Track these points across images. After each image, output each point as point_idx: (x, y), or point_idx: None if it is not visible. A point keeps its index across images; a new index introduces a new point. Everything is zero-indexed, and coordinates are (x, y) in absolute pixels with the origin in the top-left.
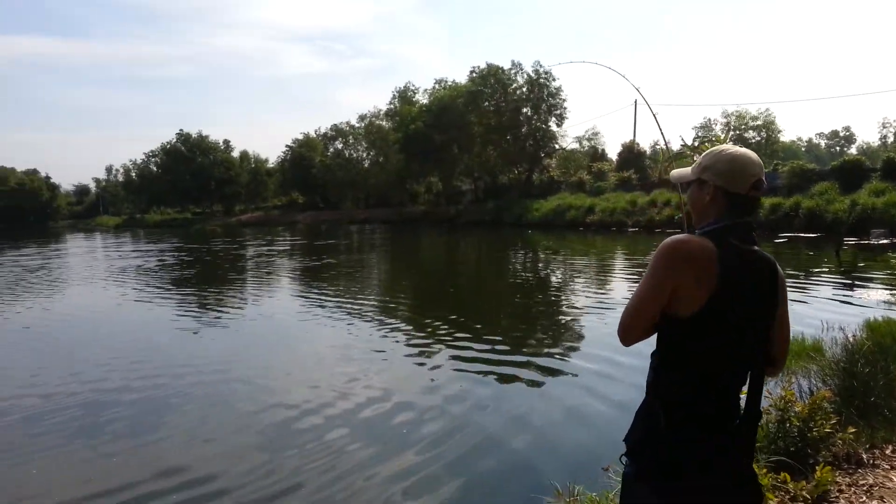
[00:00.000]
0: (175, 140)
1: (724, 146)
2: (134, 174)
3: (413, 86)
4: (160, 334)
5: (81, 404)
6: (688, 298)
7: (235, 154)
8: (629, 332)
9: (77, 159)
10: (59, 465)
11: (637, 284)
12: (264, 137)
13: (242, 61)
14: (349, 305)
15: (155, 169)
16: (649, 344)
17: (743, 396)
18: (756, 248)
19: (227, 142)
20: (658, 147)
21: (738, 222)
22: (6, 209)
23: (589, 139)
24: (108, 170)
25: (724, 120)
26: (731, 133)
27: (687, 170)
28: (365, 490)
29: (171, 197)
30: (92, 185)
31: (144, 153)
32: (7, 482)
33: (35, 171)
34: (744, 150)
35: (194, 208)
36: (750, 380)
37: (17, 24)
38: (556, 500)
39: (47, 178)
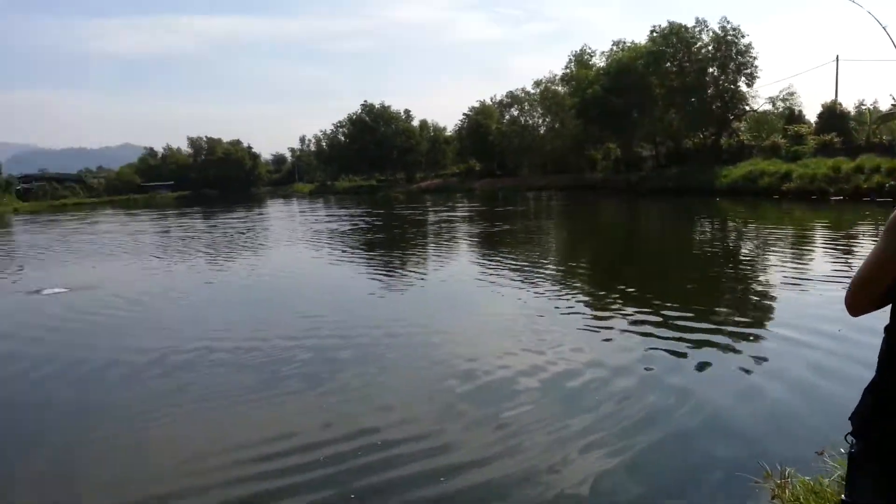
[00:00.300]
0: (360, 111)
1: None
2: (324, 144)
3: (589, 49)
4: (356, 294)
5: (301, 358)
6: None
7: (415, 123)
8: (856, 302)
9: (274, 131)
10: (293, 409)
11: (864, 255)
12: (441, 106)
13: (419, 32)
14: (531, 271)
15: (343, 139)
16: (878, 318)
17: None
18: None
19: (407, 111)
20: (864, 108)
21: None
22: (216, 177)
23: (784, 100)
24: (302, 140)
25: None
26: None
27: None
28: (578, 462)
29: (357, 165)
30: (288, 155)
31: (333, 124)
32: (240, 424)
33: (238, 142)
34: None
35: (379, 176)
36: None
37: (210, 5)
38: (764, 482)
39: (249, 147)
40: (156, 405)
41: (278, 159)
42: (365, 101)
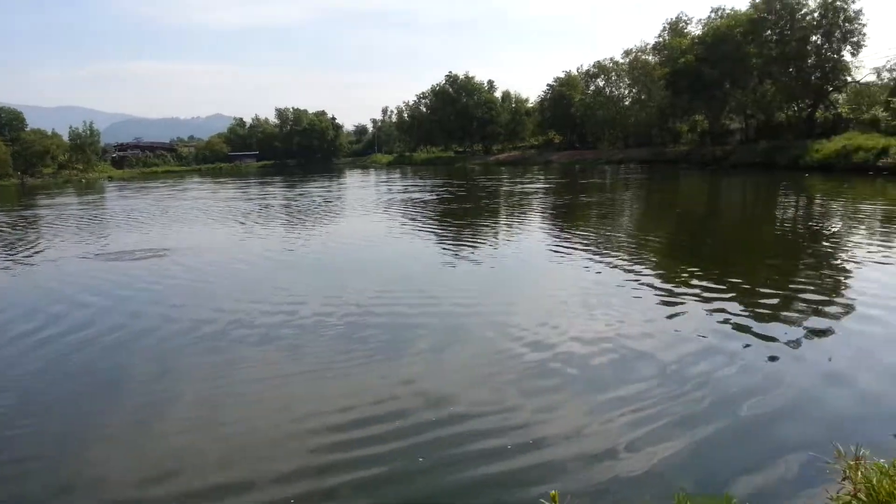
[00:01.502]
0: (444, 82)
1: None
2: (406, 115)
3: (686, 16)
4: (425, 265)
5: (367, 328)
6: None
7: (498, 94)
8: None
9: (361, 102)
10: (357, 379)
11: None
12: (527, 76)
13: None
14: (603, 246)
15: (424, 110)
16: None
17: None
18: None
19: (490, 82)
20: None
21: None
22: (300, 146)
23: (890, 70)
24: (384, 111)
25: None
26: None
27: None
28: (645, 441)
29: (437, 136)
30: (370, 126)
31: (416, 95)
32: (306, 394)
33: (323, 113)
34: None
35: (457, 147)
36: None
37: None
38: (835, 462)
39: (333, 118)
40: (222, 373)
41: (360, 130)
42: (450, 72)
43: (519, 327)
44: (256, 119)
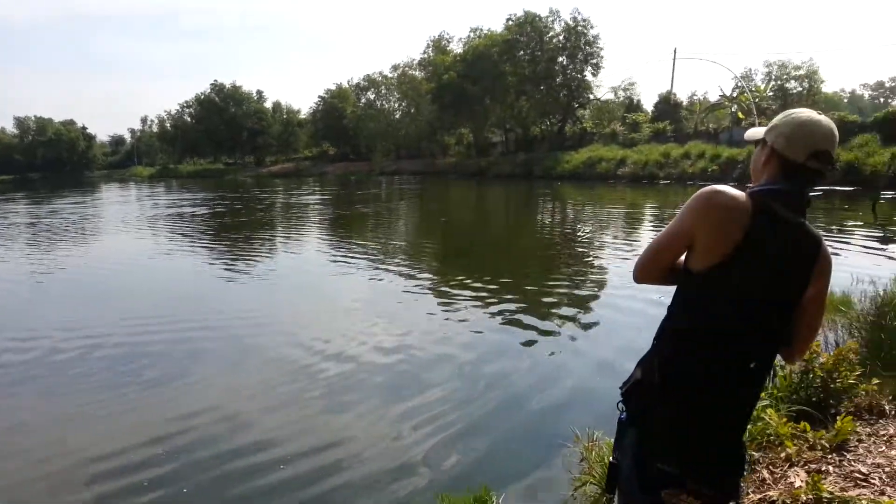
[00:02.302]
0: (209, 91)
1: (802, 110)
2: (168, 125)
3: (448, 35)
4: (191, 284)
5: (111, 353)
6: (704, 251)
7: (268, 105)
8: (642, 271)
9: (113, 110)
10: (89, 412)
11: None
12: (298, 88)
13: (285, 11)
14: (374, 257)
15: (189, 119)
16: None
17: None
18: (803, 221)
19: (259, 92)
20: (695, 98)
21: (790, 190)
22: (45, 159)
23: (625, 89)
24: (143, 120)
25: (766, 70)
26: (772, 83)
27: (762, 128)
28: (408, 440)
29: (204, 147)
30: (127, 136)
31: (179, 104)
32: (36, 432)
33: (72, 122)
34: (820, 118)
35: (226, 159)
36: (757, 354)
37: None
38: (574, 446)
39: (83, 128)
40: None
41: (117, 141)
42: (215, 80)
43: (305, 342)
44: None
